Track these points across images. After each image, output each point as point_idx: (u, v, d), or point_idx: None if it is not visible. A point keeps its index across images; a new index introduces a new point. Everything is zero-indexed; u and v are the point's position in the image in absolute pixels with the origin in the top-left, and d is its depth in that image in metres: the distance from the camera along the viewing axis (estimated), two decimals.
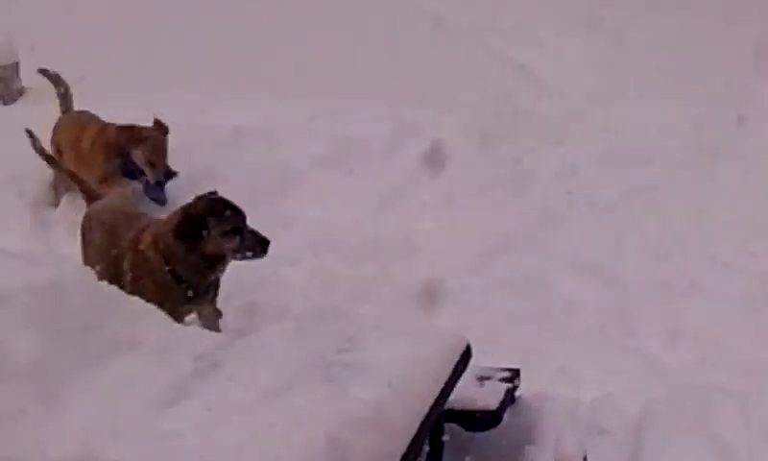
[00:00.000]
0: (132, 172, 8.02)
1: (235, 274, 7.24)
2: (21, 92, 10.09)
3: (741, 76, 9.24)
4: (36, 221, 8.17)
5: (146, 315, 4.51)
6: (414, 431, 3.86)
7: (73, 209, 8.27)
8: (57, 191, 8.40)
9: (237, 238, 5.80)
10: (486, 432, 4.81)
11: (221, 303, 6.28)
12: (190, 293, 5.88)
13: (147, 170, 7.97)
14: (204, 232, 5.73)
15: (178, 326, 4.67)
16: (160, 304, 5.32)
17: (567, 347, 6.04)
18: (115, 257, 5.97)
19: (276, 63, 10.07)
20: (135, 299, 4.63)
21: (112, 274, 5.82)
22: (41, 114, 8.50)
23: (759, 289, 6.50)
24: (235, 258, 5.91)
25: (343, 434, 3.52)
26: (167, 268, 5.82)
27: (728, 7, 10.62)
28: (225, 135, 8.84)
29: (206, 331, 4.89)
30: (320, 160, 8.60)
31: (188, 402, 3.87)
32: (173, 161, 8.00)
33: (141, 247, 5.88)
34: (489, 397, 4.82)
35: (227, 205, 5.85)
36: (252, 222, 7.85)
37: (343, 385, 3.89)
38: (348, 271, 7.13)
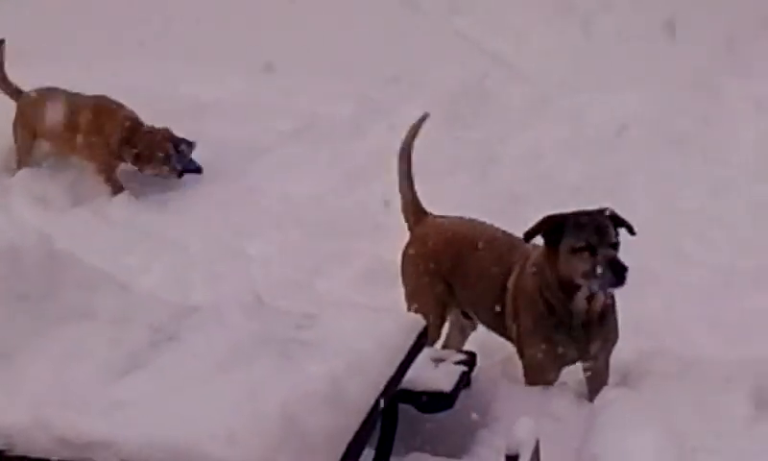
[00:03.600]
0: None
1: (198, 243, 7.26)
2: None
3: (709, 68, 9.26)
4: None
5: (103, 283, 4.49)
6: (368, 409, 3.87)
7: (32, 178, 8.24)
8: (18, 159, 8.38)
9: (589, 260, 4.93)
10: (439, 414, 4.81)
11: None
12: (565, 332, 5.13)
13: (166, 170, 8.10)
14: (561, 243, 4.99)
15: (135, 293, 4.63)
16: (535, 337, 5.16)
17: None
18: (502, 280, 5.33)
19: (243, 37, 10.03)
20: (93, 266, 4.59)
21: (499, 296, 5.33)
22: None
23: (714, 279, 6.56)
24: (587, 287, 5.00)
25: (296, 408, 3.52)
26: (538, 290, 5.13)
27: None
28: (190, 107, 8.83)
29: (164, 301, 4.83)
30: (285, 136, 8.61)
31: (142, 372, 3.87)
32: None
33: (527, 265, 5.23)
34: (443, 378, 4.82)
35: (594, 219, 5.01)
36: (216, 195, 7.90)
37: (299, 360, 3.89)
38: (309, 246, 7.13)
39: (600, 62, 9.57)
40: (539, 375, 5.23)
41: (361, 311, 4.75)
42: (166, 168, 8.05)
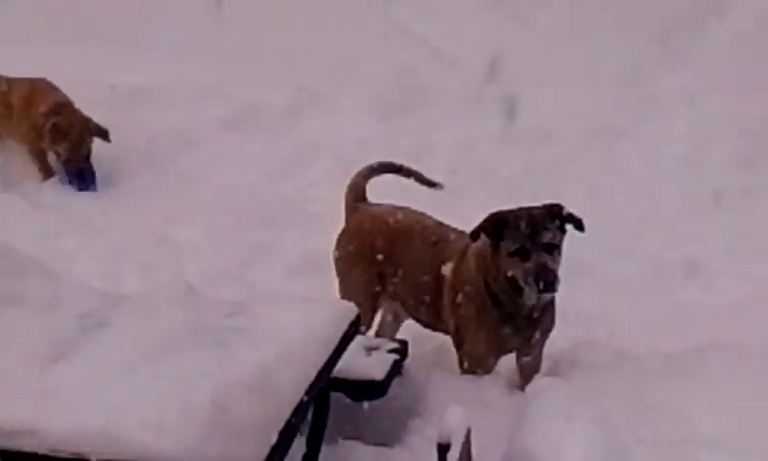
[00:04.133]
0: None
1: (129, 231, 7.21)
2: None
3: (645, 62, 9.34)
4: None
5: (33, 270, 4.44)
6: (299, 398, 3.85)
7: None
8: None
9: (521, 264, 4.92)
10: (371, 402, 4.81)
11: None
12: (509, 323, 5.12)
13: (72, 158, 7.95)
14: (500, 243, 4.98)
15: (65, 280, 4.58)
16: (477, 328, 5.15)
17: None
18: (437, 270, 5.32)
19: (178, 24, 9.95)
20: (20, 251, 4.52)
21: (433, 287, 5.34)
22: None
23: (648, 272, 6.61)
24: (525, 287, 4.98)
25: (226, 397, 3.51)
26: (483, 282, 5.11)
27: None
28: (123, 94, 8.75)
29: (95, 289, 4.78)
30: (219, 124, 8.57)
31: (72, 360, 3.83)
32: None
33: (468, 256, 5.22)
34: (375, 367, 4.82)
35: (531, 220, 4.95)
36: (148, 183, 7.84)
37: (230, 349, 3.87)
38: (241, 236, 7.11)
39: (536, 55, 9.60)
40: (479, 364, 5.24)
41: (293, 300, 4.72)
42: (74, 156, 7.89)
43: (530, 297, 5.03)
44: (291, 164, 8.01)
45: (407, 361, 5.14)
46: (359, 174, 5.89)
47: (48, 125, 7.83)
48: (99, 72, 8.90)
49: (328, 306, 4.51)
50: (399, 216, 5.64)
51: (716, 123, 8.34)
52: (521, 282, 4.95)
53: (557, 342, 5.51)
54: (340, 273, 5.70)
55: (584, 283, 6.32)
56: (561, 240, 4.98)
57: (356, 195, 5.82)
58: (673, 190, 7.66)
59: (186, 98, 8.84)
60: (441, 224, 5.56)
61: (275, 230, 7.08)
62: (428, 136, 8.41)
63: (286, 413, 3.75)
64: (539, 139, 8.35)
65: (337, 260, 5.71)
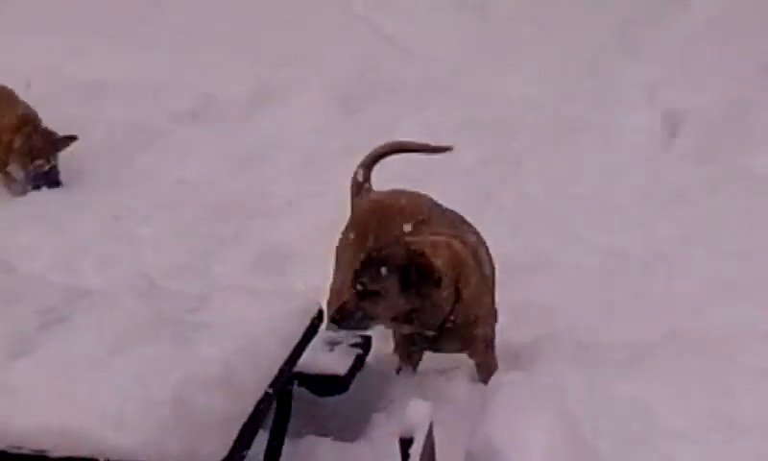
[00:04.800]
0: None
1: (89, 225, 7.16)
2: None
3: (603, 53, 9.39)
4: None
5: None
6: (261, 392, 3.85)
7: None
8: None
9: None
10: (334, 397, 4.81)
11: None
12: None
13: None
14: None
15: (24, 275, 4.54)
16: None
17: None
18: None
19: (136, 15, 9.90)
20: None
21: None
22: None
23: (608, 263, 6.63)
24: None
25: (188, 391, 3.50)
26: None
27: None
28: (83, 86, 8.69)
29: (55, 283, 4.73)
30: (178, 116, 8.52)
31: (31, 356, 3.81)
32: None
33: None
34: (338, 362, 4.81)
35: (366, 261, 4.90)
36: (107, 176, 7.79)
37: (191, 344, 3.87)
38: (202, 229, 7.08)
39: (495, 46, 9.63)
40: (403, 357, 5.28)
41: (254, 294, 4.70)
42: (39, 171, 7.75)
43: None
44: (251, 157, 7.99)
45: (370, 356, 5.14)
46: (361, 164, 5.80)
47: (17, 144, 7.68)
48: (55, 64, 8.84)
49: (290, 301, 4.50)
50: (397, 198, 5.58)
51: (676, 115, 8.37)
52: None
53: (518, 335, 5.52)
54: (336, 259, 5.58)
55: (544, 276, 6.34)
56: (384, 288, 4.81)
57: (356, 185, 5.76)
58: (633, 182, 7.69)
59: (145, 91, 8.80)
60: (437, 205, 5.51)
61: (236, 224, 7.05)
62: (389, 129, 8.38)
63: (248, 408, 3.75)
64: (499, 131, 8.36)
65: (336, 248, 5.61)
